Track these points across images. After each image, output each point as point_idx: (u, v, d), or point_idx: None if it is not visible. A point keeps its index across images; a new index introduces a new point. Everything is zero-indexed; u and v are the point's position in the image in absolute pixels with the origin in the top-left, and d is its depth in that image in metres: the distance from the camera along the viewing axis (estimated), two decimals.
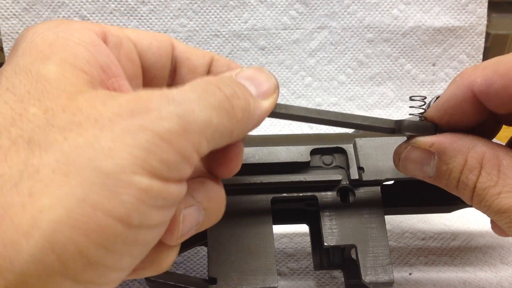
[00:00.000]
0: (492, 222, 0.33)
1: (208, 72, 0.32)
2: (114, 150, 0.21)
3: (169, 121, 0.22)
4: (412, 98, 0.32)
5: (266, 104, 0.28)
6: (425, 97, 0.32)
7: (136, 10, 0.60)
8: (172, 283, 0.37)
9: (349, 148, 0.39)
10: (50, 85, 0.23)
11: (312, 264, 0.43)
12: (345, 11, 0.62)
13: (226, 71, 0.31)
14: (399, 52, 0.64)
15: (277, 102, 0.30)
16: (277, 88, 0.29)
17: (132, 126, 0.21)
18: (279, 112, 0.30)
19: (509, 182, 0.28)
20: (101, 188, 0.20)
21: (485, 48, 0.64)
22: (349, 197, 0.38)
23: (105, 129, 0.21)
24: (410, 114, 0.32)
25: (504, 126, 0.33)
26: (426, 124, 0.31)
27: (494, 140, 0.33)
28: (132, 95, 0.23)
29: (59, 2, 0.59)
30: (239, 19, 0.62)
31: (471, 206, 0.42)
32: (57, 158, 0.21)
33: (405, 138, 0.33)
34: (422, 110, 0.32)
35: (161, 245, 0.26)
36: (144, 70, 0.30)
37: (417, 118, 0.32)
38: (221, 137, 0.25)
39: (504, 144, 0.33)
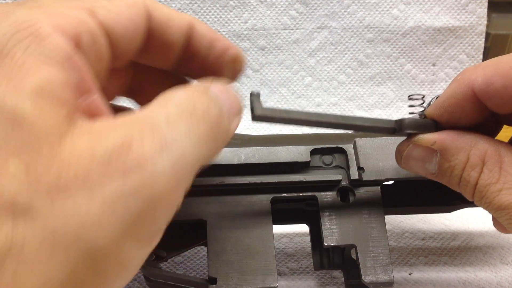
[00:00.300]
0: (493, 218, 0.33)
1: (188, 46, 0.29)
2: (103, 220, 0.19)
3: (163, 179, 0.20)
4: (411, 97, 0.32)
5: (236, 122, 0.27)
6: (424, 96, 0.32)
7: None
8: (172, 283, 0.37)
9: (349, 148, 0.39)
10: (29, 131, 0.19)
11: (312, 264, 0.43)
12: (345, 11, 0.62)
13: (209, 44, 0.29)
14: (399, 52, 0.64)
15: (277, 107, 0.30)
16: (243, 107, 0.28)
17: (124, 190, 0.20)
18: (280, 117, 0.30)
19: (510, 179, 0.28)
20: (88, 265, 0.19)
21: (485, 48, 0.64)
22: (349, 197, 0.38)
23: (95, 193, 0.19)
24: (410, 113, 0.32)
25: (504, 126, 0.33)
26: (427, 122, 0.31)
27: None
28: (121, 137, 0.20)
29: None
30: (239, 19, 0.62)
31: (471, 205, 0.42)
32: (44, 229, 0.19)
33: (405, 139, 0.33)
34: (422, 108, 0.32)
35: None
36: (112, 56, 0.26)
37: (417, 117, 0.32)
38: (203, 163, 0.24)
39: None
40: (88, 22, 0.23)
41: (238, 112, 0.27)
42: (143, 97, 0.32)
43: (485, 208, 0.30)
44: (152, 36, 0.27)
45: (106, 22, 0.24)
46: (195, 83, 0.28)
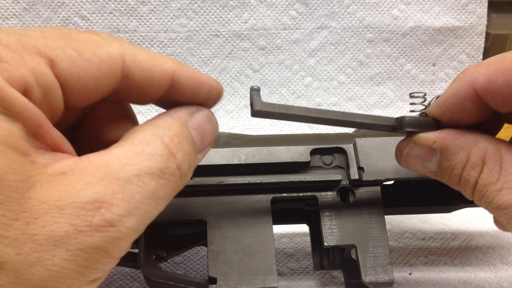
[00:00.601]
0: (494, 217, 0.33)
1: (169, 93, 0.28)
2: (66, 270, 0.21)
3: (126, 237, 0.22)
4: (412, 94, 0.32)
5: (200, 157, 0.28)
6: (426, 93, 0.32)
7: (136, 10, 0.60)
8: (172, 283, 0.37)
9: (349, 148, 0.39)
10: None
11: (312, 264, 0.43)
12: (345, 11, 0.62)
13: (192, 91, 0.28)
14: (399, 52, 0.64)
15: (276, 103, 0.30)
16: (217, 135, 0.29)
17: (88, 244, 0.21)
18: (279, 113, 0.30)
19: (510, 179, 0.28)
20: None
21: (485, 48, 0.64)
22: (349, 197, 0.38)
23: (60, 246, 0.21)
24: (411, 111, 0.32)
25: (504, 126, 0.33)
26: (428, 120, 0.31)
27: None
28: (92, 194, 0.21)
29: (59, 2, 0.59)
30: (239, 19, 0.62)
31: (471, 205, 0.42)
32: (10, 278, 0.20)
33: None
34: (423, 107, 0.32)
35: None
36: (70, 103, 0.25)
37: (418, 115, 0.32)
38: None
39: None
40: (43, 74, 0.22)
41: (212, 142, 0.29)
42: (97, 121, 0.30)
43: (485, 208, 0.30)
44: (128, 87, 0.26)
45: (65, 76, 0.23)
46: (178, 110, 0.27)
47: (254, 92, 0.29)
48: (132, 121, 0.30)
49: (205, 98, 0.28)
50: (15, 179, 0.20)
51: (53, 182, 0.21)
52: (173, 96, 0.27)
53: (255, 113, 0.29)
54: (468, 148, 0.29)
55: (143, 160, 0.23)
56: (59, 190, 0.21)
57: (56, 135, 0.23)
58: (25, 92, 0.22)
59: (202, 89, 0.28)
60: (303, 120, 0.30)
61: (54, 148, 0.23)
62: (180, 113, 0.27)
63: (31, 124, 0.22)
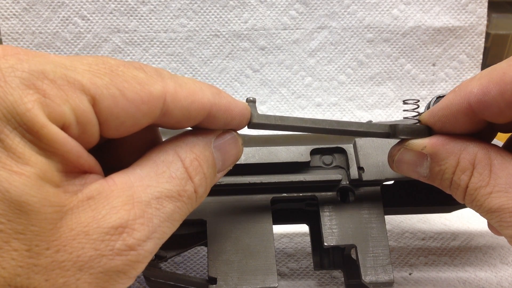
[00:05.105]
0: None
1: (198, 124, 0.28)
2: None
3: (144, 259, 0.24)
4: (406, 101, 0.33)
5: (220, 176, 0.29)
6: (418, 100, 0.32)
7: (136, 10, 0.60)
8: (172, 283, 0.37)
9: (349, 148, 0.39)
10: (32, 213, 0.21)
11: (312, 264, 0.43)
12: (345, 11, 0.62)
13: (226, 121, 0.28)
14: (399, 52, 0.64)
15: (272, 114, 0.30)
16: (241, 154, 0.30)
17: (110, 267, 0.23)
18: (275, 124, 0.30)
19: (500, 182, 0.28)
20: None
21: (485, 48, 0.64)
22: (349, 197, 0.38)
23: (84, 270, 0.22)
24: (404, 117, 0.33)
25: None
26: (420, 127, 0.32)
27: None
28: (116, 219, 0.23)
29: (59, 2, 0.59)
30: (239, 19, 0.62)
31: None
32: None
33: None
34: (416, 114, 0.32)
35: None
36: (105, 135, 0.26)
37: (411, 121, 0.32)
38: None
39: (502, 143, 0.33)
40: (84, 112, 0.23)
41: (234, 163, 0.30)
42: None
43: (476, 211, 0.30)
44: (164, 121, 0.26)
45: (105, 114, 0.24)
46: (204, 130, 0.28)
47: (250, 104, 0.30)
48: (155, 133, 0.30)
49: (235, 127, 0.29)
50: (50, 211, 0.22)
51: (82, 208, 0.23)
52: (204, 125, 0.28)
53: (252, 126, 0.30)
54: (458, 153, 0.30)
55: (163, 182, 0.25)
56: (87, 216, 0.22)
57: (87, 161, 0.24)
58: (63, 127, 0.23)
59: (234, 120, 0.28)
60: (299, 130, 0.31)
61: (84, 170, 0.24)
62: (206, 133, 0.28)
63: (68, 158, 0.23)
